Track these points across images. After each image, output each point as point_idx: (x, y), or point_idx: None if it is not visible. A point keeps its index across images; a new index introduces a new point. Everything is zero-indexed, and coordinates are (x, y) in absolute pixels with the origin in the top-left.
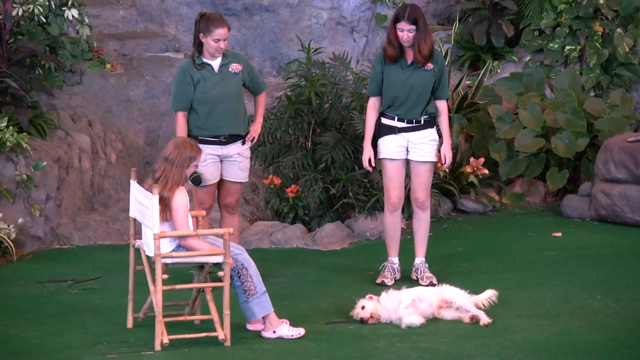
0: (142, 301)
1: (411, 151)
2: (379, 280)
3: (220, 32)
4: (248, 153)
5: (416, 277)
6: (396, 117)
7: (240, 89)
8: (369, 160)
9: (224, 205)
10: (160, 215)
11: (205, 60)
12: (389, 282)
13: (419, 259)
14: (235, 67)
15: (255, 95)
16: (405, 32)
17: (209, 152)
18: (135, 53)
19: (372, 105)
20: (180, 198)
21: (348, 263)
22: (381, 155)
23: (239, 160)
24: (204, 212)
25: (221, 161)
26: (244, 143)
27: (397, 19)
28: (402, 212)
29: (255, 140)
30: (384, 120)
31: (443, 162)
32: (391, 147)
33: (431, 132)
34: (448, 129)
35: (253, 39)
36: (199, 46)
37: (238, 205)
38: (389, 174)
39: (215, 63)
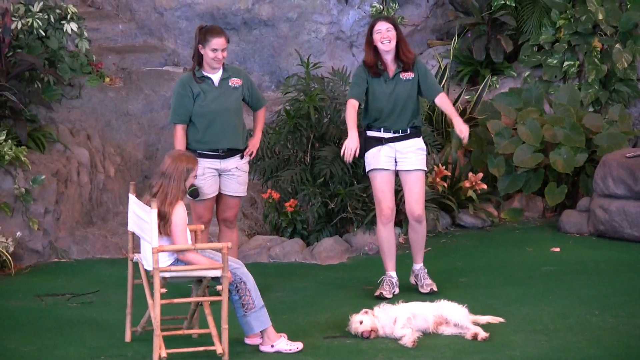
0: (141, 315)
1: (400, 161)
2: (377, 293)
3: (218, 41)
4: (246, 167)
5: (415, 282)
6: (382, 129)
7: (240, 103)
8: (356, 152)
9: (222, 220)
10: (160, 230)
11: (205, 73)
12: (387, 295)
13: (418, 265)
14: (235, 81)
15: (255, 110)
16: (384, 30)
17: (207, 166)
18: (134, 67)
19: (353, 105)
20: (179, 213)
21: (346, 278)
22: (370, 167)
23: (237, 175)
24: (202, 227)
25: (219, 175)
26: (242, 157)
27: (373, 25)
28: (400, 226)
29: (253, 155)
30: (370, 133)
31: (462, 137)
32: (380, 157)
33: (418, 142)
34: (455, 112)
35: (252, 54)
36: (199, 59)
37: (236, 220)
38: (379, 186)
39: (216, 77)
